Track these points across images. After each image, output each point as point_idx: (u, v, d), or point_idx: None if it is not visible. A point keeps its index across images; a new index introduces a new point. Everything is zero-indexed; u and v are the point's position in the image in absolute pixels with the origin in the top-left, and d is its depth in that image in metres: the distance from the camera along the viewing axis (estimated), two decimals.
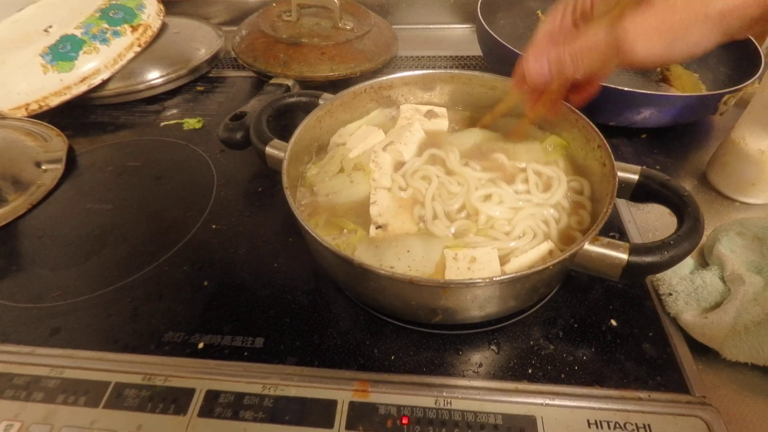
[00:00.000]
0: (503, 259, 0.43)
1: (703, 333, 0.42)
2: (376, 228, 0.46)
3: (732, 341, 0.41)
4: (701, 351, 0.43)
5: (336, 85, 0.76)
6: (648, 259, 0.38)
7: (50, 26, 0.77)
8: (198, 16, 1.01)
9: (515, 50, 0.69)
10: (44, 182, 0.64)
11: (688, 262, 0.49)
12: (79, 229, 0.58)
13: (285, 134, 0.51)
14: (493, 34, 0.71)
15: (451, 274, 0.41)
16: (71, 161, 0.68)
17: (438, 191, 0.49)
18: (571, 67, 0.36)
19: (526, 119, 0.54)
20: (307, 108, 0.55)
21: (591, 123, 0.50)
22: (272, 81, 0.76)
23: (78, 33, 0.75)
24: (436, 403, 0.38)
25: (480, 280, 0.36)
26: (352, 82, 0.68)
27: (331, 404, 0.38)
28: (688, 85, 0.80)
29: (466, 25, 1.04)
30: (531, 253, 0.42)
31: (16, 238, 0.58)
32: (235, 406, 0.39)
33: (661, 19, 0.31)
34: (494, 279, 0.36)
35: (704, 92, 0.77)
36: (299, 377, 0.41)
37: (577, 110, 0.51)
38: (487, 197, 0.48)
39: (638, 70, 0.75)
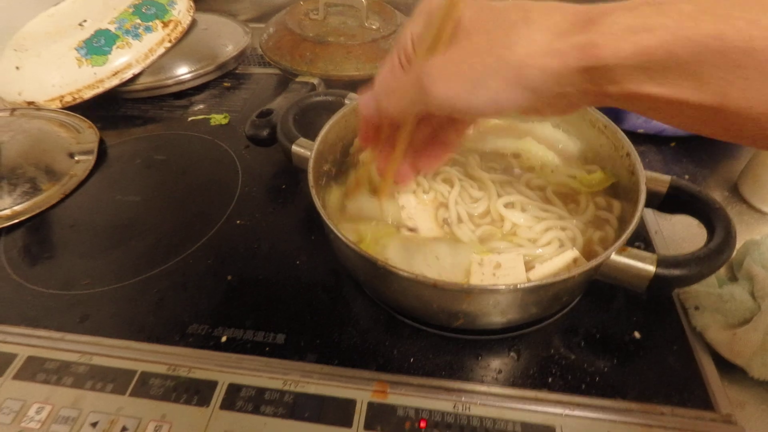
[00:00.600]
0: (527, 265, 0.42)
1: (731, 349, 0.41)
2: (407, 231, 0.46)
3: (761, 359, 0.40)
4: (728, 368, 0.42)
5: (361, 85, 0.76)
6: (676, 272, 0.37)
7: (85, 20, 0.79)
8: (226, 13, 1.02)
9: None
10: (76, 173, 0.66)
11: (717, 276, 0.48)
12: (109, 220, 0.60)
13: (309, 132, 0.52)
14: None
15: (476, 280, 0.41)
16: (102, 153, 0.70)
17: (460, 195, 0.49)
18: (384, 102, 0.34)
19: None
20: (333, 107, 0.55)
21: (619, 130, 0.49)
22: (298, 79, 0.76)
23: (112, 28, 0.77)
24: (454, 407, 0.38)
25: (503, 286, 0.36)
26: None
27: (350, 403, 0.39)
28: None
29: None
30: (556, 260, 0.42)
31: (49, 226, 0.59)
32: (256, 400, 0.39)
33: (463, 59, 0.28)
34: (518, 286, 0.36)
35: None
36: (319, 375, 0.41)
37: (605, 116, 0.50)
38: (510, 204, 0.48)
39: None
